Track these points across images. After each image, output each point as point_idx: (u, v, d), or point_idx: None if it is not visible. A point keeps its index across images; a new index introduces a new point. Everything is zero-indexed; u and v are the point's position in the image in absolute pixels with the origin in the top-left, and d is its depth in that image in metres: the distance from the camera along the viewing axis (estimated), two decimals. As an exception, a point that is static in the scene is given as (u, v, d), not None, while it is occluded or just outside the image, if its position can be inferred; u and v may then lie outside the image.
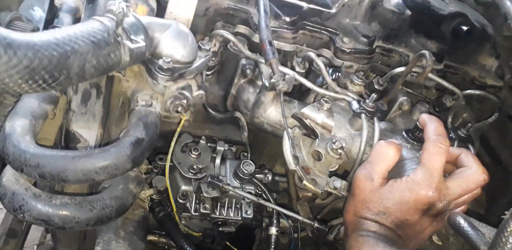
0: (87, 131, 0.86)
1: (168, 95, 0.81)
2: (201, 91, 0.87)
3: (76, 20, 0.98)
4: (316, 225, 0.95)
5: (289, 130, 0.85)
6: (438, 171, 0.73)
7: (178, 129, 0.84)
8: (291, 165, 0.80)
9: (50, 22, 1.05)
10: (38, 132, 0.75)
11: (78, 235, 0.92)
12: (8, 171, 0.71)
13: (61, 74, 0.60)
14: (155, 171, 0.95)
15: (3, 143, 0.69)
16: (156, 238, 0.99)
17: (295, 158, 0.81)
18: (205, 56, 0.86)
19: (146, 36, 0.74)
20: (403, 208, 0.73)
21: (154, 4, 0.97)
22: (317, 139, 0.86)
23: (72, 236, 0.91)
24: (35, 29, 1.02)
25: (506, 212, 0.54)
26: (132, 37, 0.72)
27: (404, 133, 0.93)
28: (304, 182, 0.79)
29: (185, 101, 0.81)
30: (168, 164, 0.87)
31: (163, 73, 0.78)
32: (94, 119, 0.87)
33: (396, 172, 0.81)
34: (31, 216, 0.67)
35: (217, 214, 0.96)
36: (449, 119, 1.09)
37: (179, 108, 0.80)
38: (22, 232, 1.16)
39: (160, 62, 0.77)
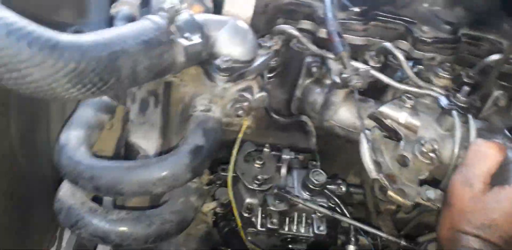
0: (146, 141, 0.81)
1: (228, 98, 0.74)
2: (263, 93, 0.79)
3: (132, 26, 0.94)
4: (403, 242, 0.81)
5: (367, 132, 0.73)
6: None
7: (240, 135, 0.76)
8: (373, 172, 0.69)
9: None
10: (94, 142, 0.71)
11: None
12: (65, 185, 0.67)
13: (112, 76, 0.55)
14: (217, 182, 0.88)
15: (58, 154, 0.65)
16: (221, 256, 0.91)
17: (377, 164, 0.69)
18: (266, 54, 0.79)
19: (202, 34, 0.68)
20: None
21: (210, 4, 0.91)
22: (401, 141, 0.74)
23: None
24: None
25: None
26: (187, 35, 0.66)
27: (506, 131, 0.78)
28: (390, 192, 0.67)
29: (246, 103, 0.73)
30: (231, 174, 0.79)
31: (221, 74, 0.70)
32: (153, 129, 0.82)
33: (500, 177, 0.67)
34: (87, 232, 0.62)
35: (286, 229, 0.86)
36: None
37: (240, 112, 0.73)
38: (91, 247, 1.15)
39: (218, 61, 0.70)
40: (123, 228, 0.62)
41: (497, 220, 0.61)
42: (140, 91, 0.82)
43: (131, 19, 0.97)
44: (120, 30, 0.59)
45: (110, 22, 1.09)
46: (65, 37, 0.52)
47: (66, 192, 0.66)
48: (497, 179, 0.66)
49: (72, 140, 0.67)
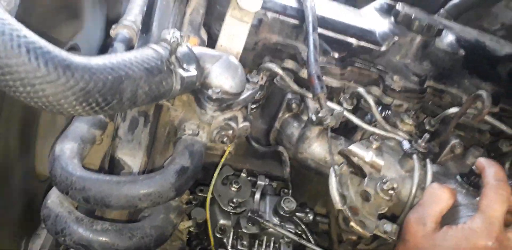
0: (132, 158, 0.86)
1: (215, 126, 0.81)
2: (247, 123, 0.86)
3: (130, 49, 1.01)
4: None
5: (336, 167, 0.81)
6: (498, 219, 0.69)
7: (222, 160, 0.83)
8: (338, 204, 0.76)
9: (104, 52, 1.10)
10: (85, 156, 0.76)
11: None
12: (54, 193, 0.71)
13: (114, 98, 0.60)
14: (194, 202, 0.93)
15: (52, 164, 0.69)
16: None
17: (342, 197, 0.77)
18: (252, 88, 0.87)
19: (198, 66, 0.75)
20: None
21: (205, 37, 1.00)
22: (366, 178, 0.82)
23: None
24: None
25: None
26: (184, 66, 0.73)
27: (458, 177, 0.88)
28: (352, 223, 0.75)
29: (231, 132, 0.80)
30: (209, 196, 0.85)
31: (211, 103, 0.78)
32: (139, 147, 0.87)
33: (450, 218, 0.76)
34: (72, 240, 0.66)
35: (255, 252, 0.91)
36: (506, 166, 1.02)
37: (225, 139, 0.80)
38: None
39: (210, 92, 0.77)
40: (106, 239, 0.66)
41: None
42: (131, 111, 0.88)
43: (129, 42, 1.04)
44: (126, 56, 0.64)
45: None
46: (78, 59, 0.57)
47: (54, 200, 0.70)
48: (446, 219, 0.74)
49: (66, 151, 0.71)
